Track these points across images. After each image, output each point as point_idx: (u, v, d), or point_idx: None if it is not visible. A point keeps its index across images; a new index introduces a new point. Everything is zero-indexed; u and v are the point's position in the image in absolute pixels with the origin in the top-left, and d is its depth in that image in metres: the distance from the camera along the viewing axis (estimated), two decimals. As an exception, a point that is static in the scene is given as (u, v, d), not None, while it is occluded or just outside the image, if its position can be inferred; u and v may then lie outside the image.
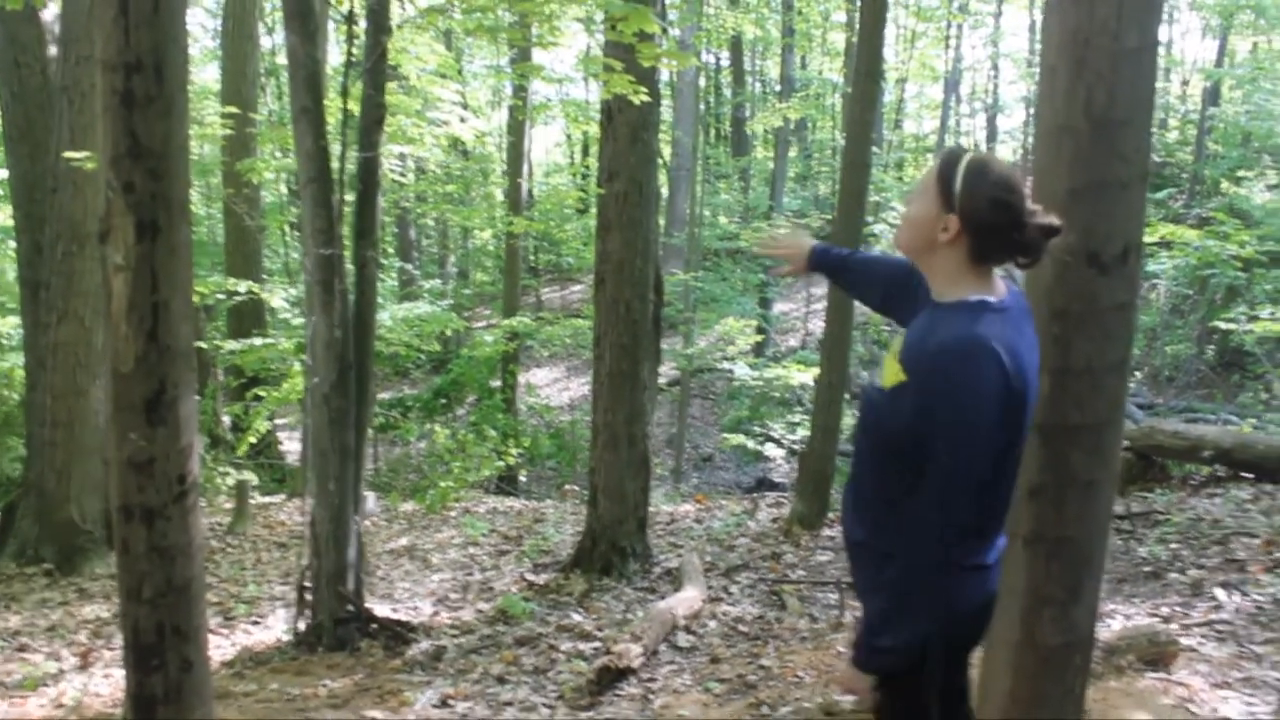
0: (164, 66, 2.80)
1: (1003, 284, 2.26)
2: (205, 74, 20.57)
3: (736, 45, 25.03)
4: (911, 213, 2.27)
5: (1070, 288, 2.73)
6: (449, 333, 15.51)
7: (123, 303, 2.87)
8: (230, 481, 10.30)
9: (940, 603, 2.20)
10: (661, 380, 16.67)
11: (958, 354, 2.09)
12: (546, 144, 30.74)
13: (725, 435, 15.80)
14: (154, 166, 2.82)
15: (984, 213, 2.17)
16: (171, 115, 2.85)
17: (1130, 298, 2.82)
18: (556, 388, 18.98)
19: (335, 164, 5.30)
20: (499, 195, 21.25)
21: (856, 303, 10.42)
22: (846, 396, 11.35)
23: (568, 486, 13.68)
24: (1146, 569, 6.30)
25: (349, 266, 5.65)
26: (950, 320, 2.16)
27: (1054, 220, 2.19)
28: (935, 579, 2.18)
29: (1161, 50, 22.69)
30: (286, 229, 17.62)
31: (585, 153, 28.34)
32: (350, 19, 5.55)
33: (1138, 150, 2.73)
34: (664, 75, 18.06)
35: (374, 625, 5.63)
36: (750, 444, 15.16)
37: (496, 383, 15.95)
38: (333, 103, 6.38)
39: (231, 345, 11.34)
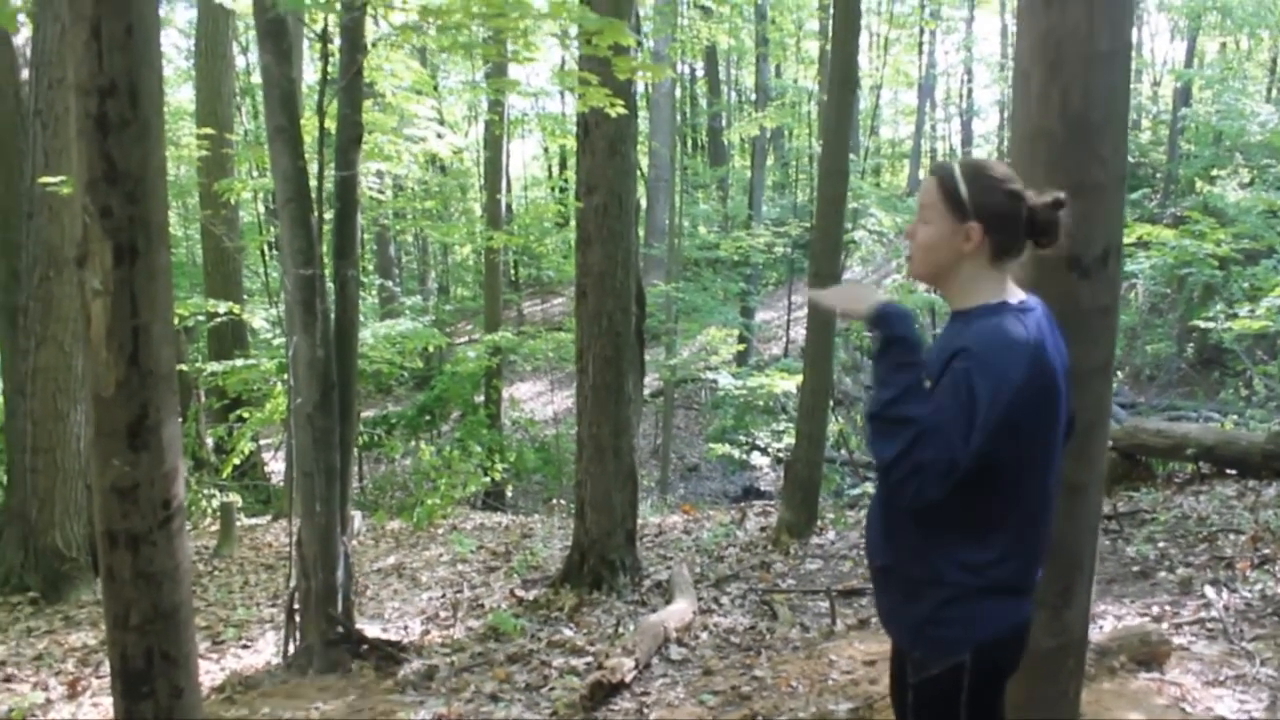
0: (138, 89, 2.78)
1: (1020, 290, 2.25)
2: (180, 94, 20.52)
3: (711, 55, 25.11)
4: (924, 239, 2.23)
5: (1052, 292, 2.73)
6: (431, 349, 15.47)
7: (102, 328, 2.84)
8: (215, 504, 10.24)
9: (978, 628, 2.18)
10: (646, 392, 16.68)
11: (985, 345, 2.08)
12: (524, 157, 30.74)
13: (710, 445, 15.82)
14: (131, 190, 2.79)
15: (1001, 206, 2.18)
16: (147, 138, 2.83)
17: (1112, 300, 2.83)
18: (541, 401, 18.95)
19: (313, 183, 5.28)
20: (478, 210, 21.24)
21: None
22: (830, 403, 11.37)
23: (555, 500, 13.66)
24: (1135, 569, 6.31)
25: (329, 285, 5.63)
26: (974, 322, 2.15)
27: (1056, 194, 2.21)
28: (974, 603, 2.17)
29: (1133, 52, 22.96)
30: (266, 249, 17.56)
31: (563, 166, 28.36)
32: (324, 37, 5.54)
33: (1115, 152, 2.74)
34: (640, 87, 18.10)
35: (364, 646, 5.59)
36: (736, 453, 15.19)
37: (480, 398, 15.92)
38: (309, 121, 6.37)
39: (213, 367, 11.29)
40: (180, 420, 3.07)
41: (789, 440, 13.11)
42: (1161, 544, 6.61)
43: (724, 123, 25.62)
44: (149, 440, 2.89)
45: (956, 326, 2.22)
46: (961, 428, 2.01)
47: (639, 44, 5.86)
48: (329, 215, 5.94)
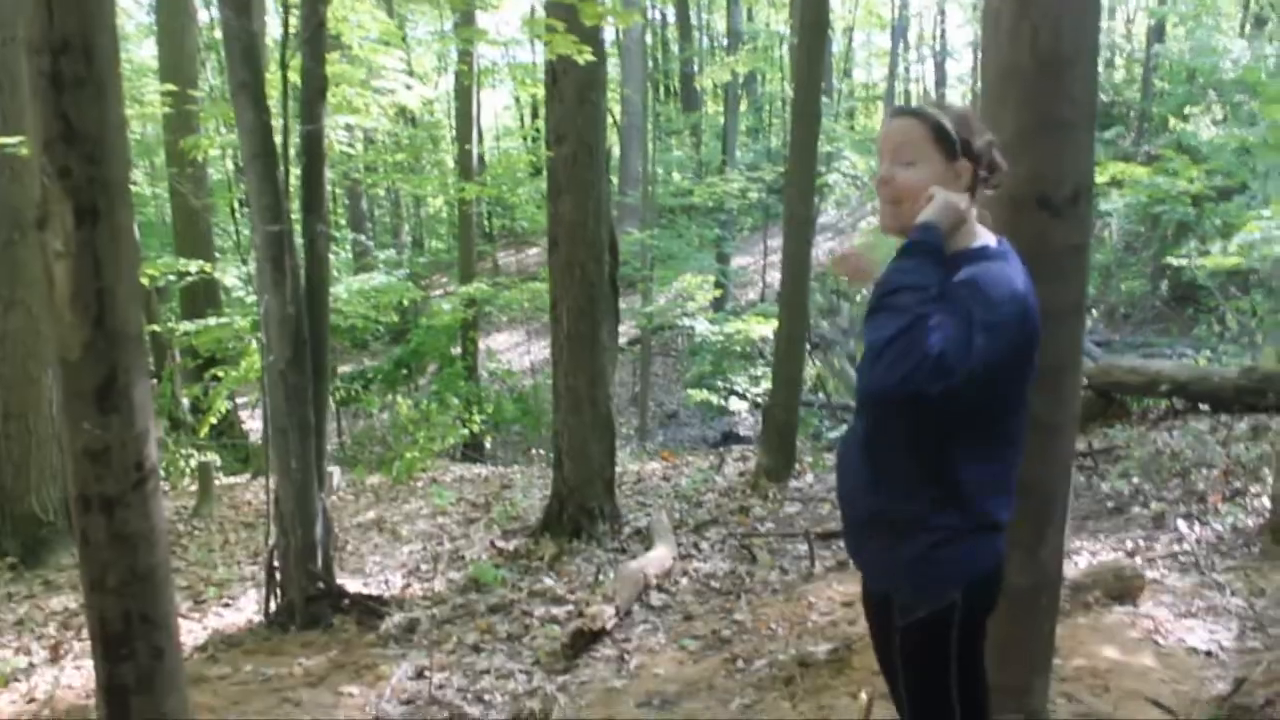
0: (92, 47, 2.73)
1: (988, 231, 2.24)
2: (143, 51, 20.14)
3: (682, 0, 24.87)
4: (912, 181, 2.15)
5: (1022, 231, 2.72)
6: (406, 303, 15.40)
7: (66, 290, 2.81)
8: (193, 464, 10.21)
9: (967, 567, 2.19)
10: (622, 340, 16.66)
11: (980, 279, 2.06)
12: (496, 108, 30.42)
13: (689, 391, 15.86)
14: (89, 150, 2.75)
15: (981, 144, 2.19)
16: (104, 96, 2.78)
17: (1083, 239, 2.83)
18: (518, 352, 18.92)
19: (279, 138, 5.21)
20: (450, 162, 21.05)
21: (813, 254, 10.44)
22: (807, 347, 11.40)
23: (533, 450, 13.68)
24: (1110, 505, 6.39)
25: (299, 241, 5.57)
26: (965, 265, 2.11)
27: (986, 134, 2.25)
28: (963, 542, 2.17)
29: (1105, -11, 22.81)
30: (236, 206, 17.39)
31: (535, 115, 28.07)
32: (286, -12, 5.45)
33: (1085, 90, 2.73)
34: (610, 34, 17.92)
35: (346, 601, 5.59)
36: (714, 399, 15.23)
37: (457, 350, 15.87)
38: (274, 76, 6.27)
39: (186, 326, 11.20)
40: (155, 381, 3.06)
41: (767, 385, 13.15)
42: (1135, 480, 6.68)
43: (696, 68, 25.42)
44: (119, 403, 2.86)
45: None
46: (964, 340, 1.97)
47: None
48: (297, 171, 5.86)
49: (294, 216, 5.44)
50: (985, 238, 2.19)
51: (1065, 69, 2.67)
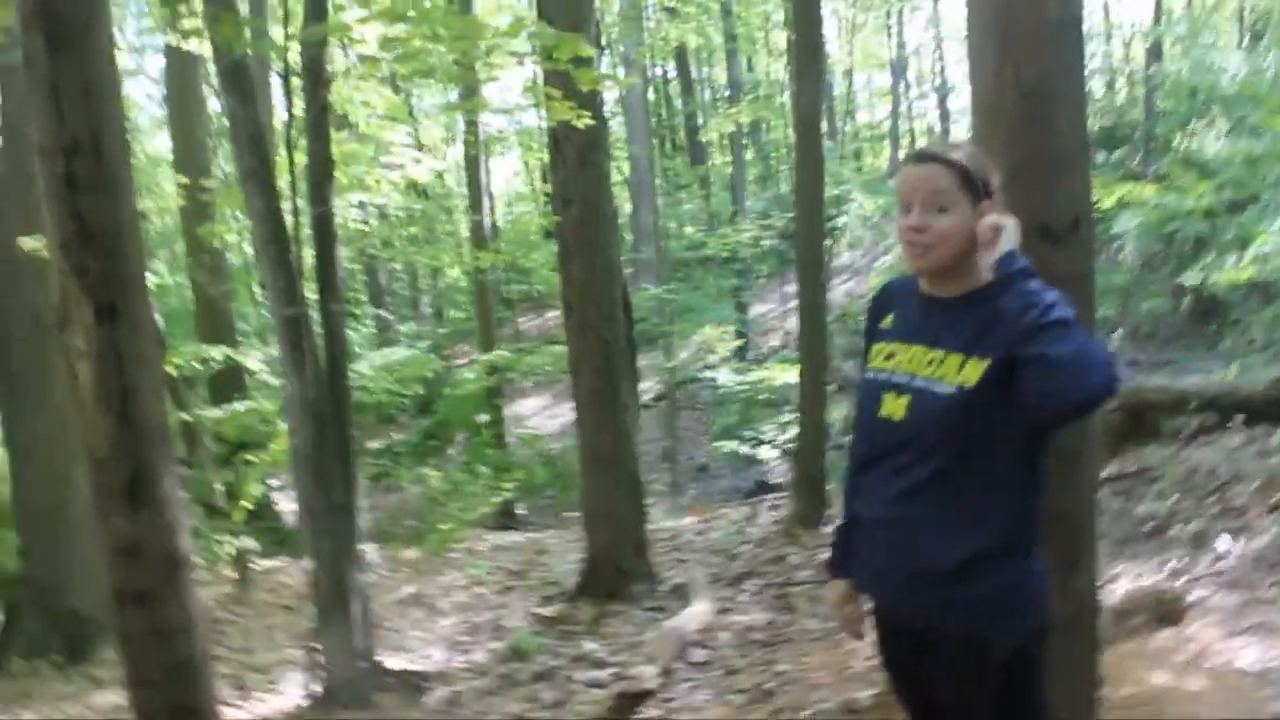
0: (103, 146, 2.79)
1: None
2: (157, 142, 20.48)
3: (682, 55, 25.11)
4: (948, 228, 2.19)
5: (1026, 262, 2.75)
6: (430, 374, 15.45)
7: (90, 388, 2.85)
8: (231, 550, 10.23)
9: (1046, 583, 2.31)
10: (647, 396, 16.66)
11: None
12: (506, 174, 30.73)
13: (717, 444, 15.79)
14: (105, 248, 2.80)
15: (996, 184, 2.26)
16: (116, 194, 2.84)
17: (1087, 266, 2.83)
18: (545, 415, 18.93)
19: (290, 220, 5.28)
20: (464, 231, 21.22)
21: (829, 296, 10.45)
22: (831, 389, 11.36)
23: (566, 513, 13.64)
24: (1148, 527, 6.30)
25: (317, 322, 5.63)
26: (1006, 292, 2.16)
27: None
28: (1037, 560, 2.29)
29: (1100, 15, 22.92)
30: (256, 290, 17.55)
31: (544, 178, 28.34)
32: (287, 76, 5.54)
33: (1074, 121, 2.75)
34: (613, 94, 18.12)
35: (388, 678, 5.59)
36: (743, 449, 15.16)
37: (484, 418, 15.90)
38: (283, 160, 6.37)
39: (214, 413, 11.26)
40: (188, 470, 3.09)
41: (795, 431, 13.11)
42: (1172, 500, 6.59)
43: (700, 121, 25.62)
44: (148, 496, 2.90)
45: (979, 302, 2.22)
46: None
47: (601, 51, 5.85)
48: (311, 252, 5.93)
49: (312, 297, 5.50)
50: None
51: (1051, 103, 2.69)
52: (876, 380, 2.33)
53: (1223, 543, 5.57)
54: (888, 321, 2.40)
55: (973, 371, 2.16)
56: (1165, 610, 4.51)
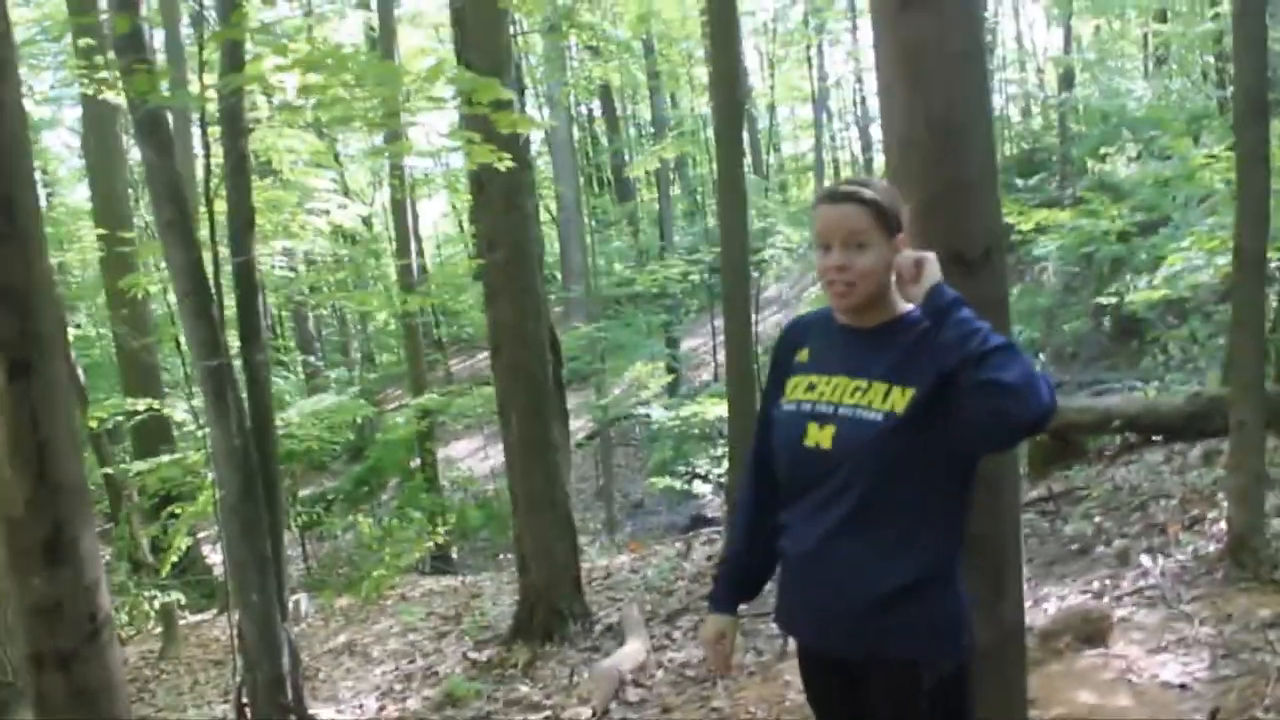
0: (13, 202, 2.75)
1: None
2: (76, 194, 20.19)
3: (606, 93, 25.29)
4: (870, 265, 2.23)
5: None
6: (360, 420, 15.31)
7: (4, 446, 2.79)
8: (157, 605, 10.01)
9: (968, 609, 2.32)
10: (580, 434, 16.63)
11: None
12: (435, 215, 30.62)
13: (652, 480, 15.79)
14: (18, 305, 2.75)
15: (905, 217, 2.31)
16: (28, 250, 2.80)
17: (1001, 292, 2.89)
18: (478, 458, 18.80)
19: (211, 270, 5.22)
20: (393, 275, 21.11)
21: (759, 328, 10.52)
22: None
23: (501, 556, 13.54)
24: (1074, 547, 6.41)
25: (241, 371, 5.56)
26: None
27: None
28: (960, 588, 2.31)
29: (1013, 44, 23.51)
30: (181, 339, 17.27)
31: (472, 220, 28.30)
32: (204, 125, 5.50)
33: (983, 151, 2.81)
34: (538, 133, 18.18)
35: (319, 731, 5.50)
36: (677, 484, 15.17)
37: (416, 462, 15.76)
38: (203, 210, 6.31)
39: (139, 466, 11.05)
40: (112, 524, 3.02)
41: (728, 465, 13.14)
42: (1097, 519, 6.72)
43: (627, 158, 25.78)
44: (67, 555, 2.84)
45: (900, 331, 2.30)
46: None
47: (523, 93, 5.87)
48: (233, 302, 5.87)
49: (236, 346, 5.44)
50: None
51: (960, 136, 2.75)
52: (799, 411, 2.32)
53: (1145, 560, 5.68)
54: (803, 355, 2.41)
55: (899, 399, 2.20)
56: (1092, 630, 4.58)
